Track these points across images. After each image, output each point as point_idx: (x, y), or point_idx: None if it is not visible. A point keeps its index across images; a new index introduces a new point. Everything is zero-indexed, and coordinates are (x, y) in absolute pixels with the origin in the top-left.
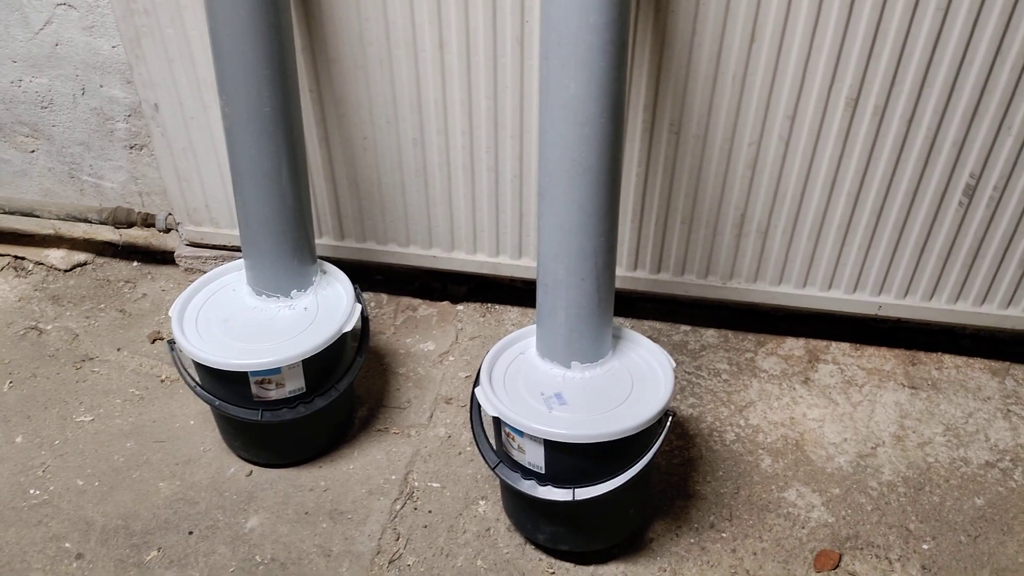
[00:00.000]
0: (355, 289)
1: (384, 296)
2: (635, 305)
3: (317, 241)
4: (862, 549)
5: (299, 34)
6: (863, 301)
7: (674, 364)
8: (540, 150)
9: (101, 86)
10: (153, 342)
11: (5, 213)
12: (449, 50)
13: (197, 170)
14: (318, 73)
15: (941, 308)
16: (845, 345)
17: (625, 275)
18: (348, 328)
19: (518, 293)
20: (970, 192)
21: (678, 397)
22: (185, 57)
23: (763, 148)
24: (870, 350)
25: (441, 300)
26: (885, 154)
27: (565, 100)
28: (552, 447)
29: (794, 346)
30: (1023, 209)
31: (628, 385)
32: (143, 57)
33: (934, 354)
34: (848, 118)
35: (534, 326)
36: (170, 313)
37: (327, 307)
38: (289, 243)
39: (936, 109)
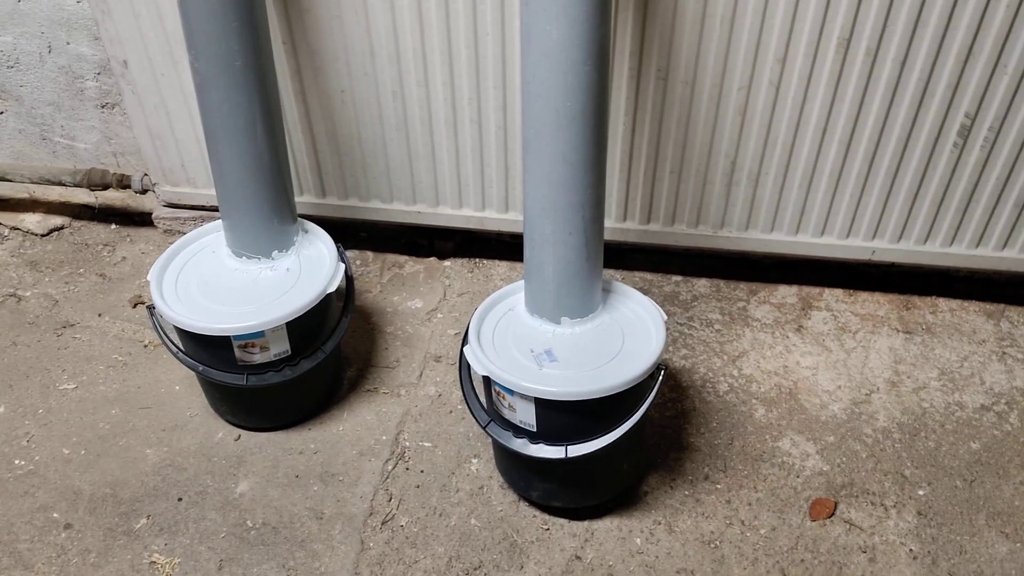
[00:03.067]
0: (338, 248)
1: (369, 253)
2: (625, 256)
3: (298, 199)
4: (857, 497)
5: None
6: (856, 246)
7: (665, 317)
8: (523, 101)
9: (68, 43)
10: (135, 306)
11: None
12: None
13: (171, 129)
14: (291, 24)
15: (936, 252)
16: (838, 291)
17: (614, 226)
18: (331, 289)
19: (506, 247)
20: (965, 134)
21: (670, 349)
22: (152, 11)
23: (753, 93)
24: (863, 295)
25: (428, 256)
26: (878, 97)
27: (547, 48)
28: (543, 405)
29: (787, 294)
30: (1019, 150)
31: (619, 340)
32: (109, 12)
33: (928, 298)
34: (840, 61)
35: (522, 282)
36: (148, 278)
37: (310, 267)
38: (268, 203)
39: (930, 50)
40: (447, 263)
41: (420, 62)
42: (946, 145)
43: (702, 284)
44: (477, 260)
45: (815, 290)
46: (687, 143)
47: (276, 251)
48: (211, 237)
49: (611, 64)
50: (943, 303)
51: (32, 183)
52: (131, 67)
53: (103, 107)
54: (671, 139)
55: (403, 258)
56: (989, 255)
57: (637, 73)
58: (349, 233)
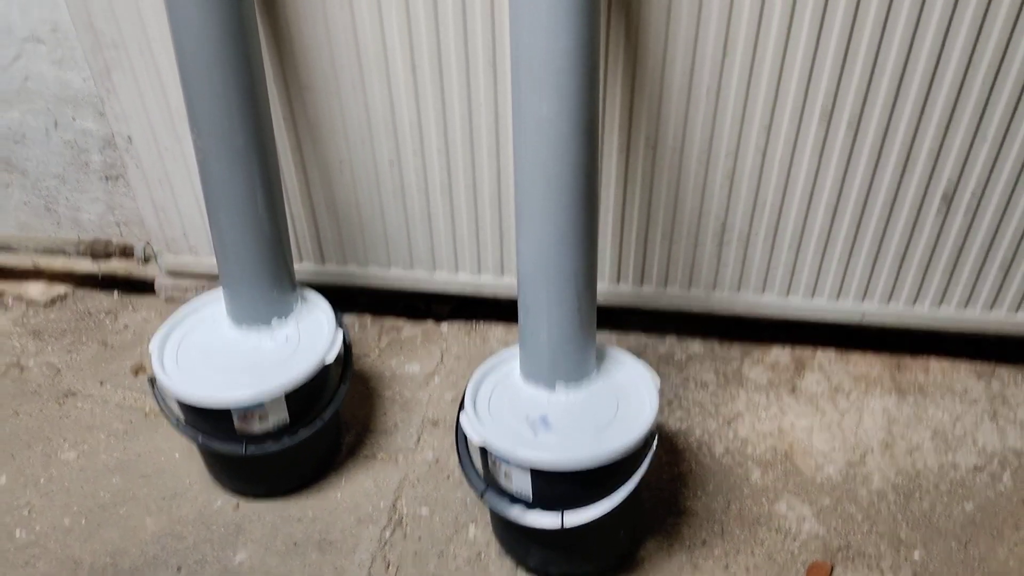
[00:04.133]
0: (337, 316)
1: (368, 318)
2: (620, 318)
3: (297, 266)
4: (854, 559)
5: (270, 63)
6: (847, 308)
7: (659, 382)
8: (515, 172)
9: (74, 119)
10: (136, 374)
11: None
12: (421, 72)
13: (174, 200)
14: (291, 100)
15: (924, 313)
16: (831, 352)
17: (608, 289)
18: (330, 359)
19: (502, 309)
20: (948, 199)
21: (666, 410)
22: (156, 88)
23: (740, 159)
24: (856, 356)
25: (425, 319)
26: (862, 164)
27: (538, 122)
28: (539, 473)
29: (780, 354)
30: (1001, 215)
31: (614, 406)
32: (114, 90)
33: (920, 358)
34: (824, 129)
35: (517, 347)
36: (150, 349)
37: (309, 335)
38: (268, 273)
39: (911, 120)
40: (444, 326)
41: (416, 133)
42: (931, 210)
43: (696, 345)
44: (474, 323)
45: (808, 351)
46: (677, 207)
47: (276, 319)
48: (212, 307)
49: (601, 134)
50: (934, 363)
51: (36, 253)
52: (135, 142)
53: (107, 179)
54: (662, 203)
55: (401, 322)
56: (977, 316)
57: (627, 141)
58: (348, 298)
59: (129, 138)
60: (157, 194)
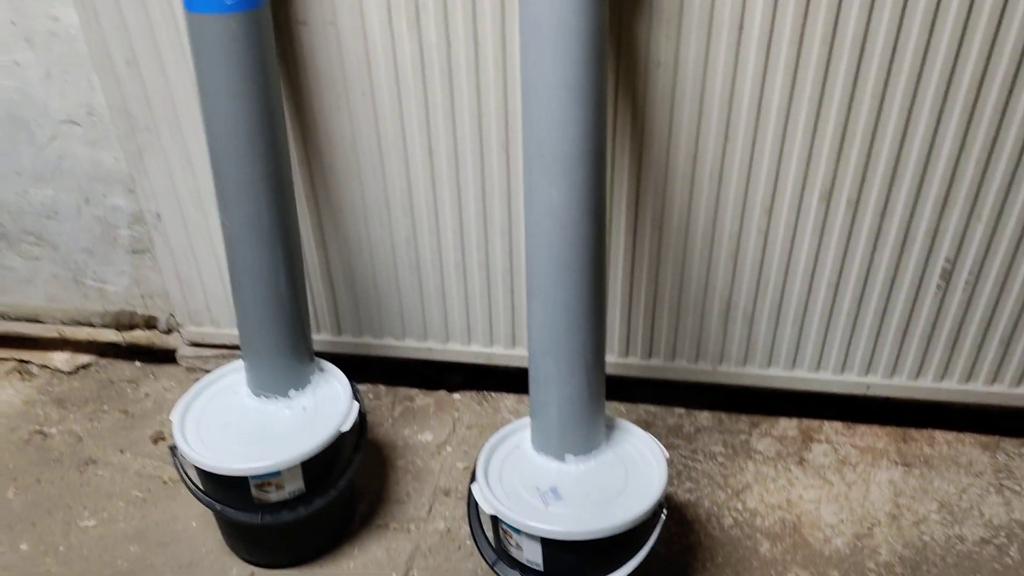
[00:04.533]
0: (352, 387)
1: (382, 387)
2: (629, 389)
3: (315, 337)
4: None
5: (295, 147)
6: (851, 381)
7: (667, 455)
8: (527, 252)
9: (104, 196)
10: (155, 442)
11: (11, 319)
12: (438, 156)
13: (198, 273)
14: (314, 181)
15: (928, 387)
16: (837, 424)
17: (617, 361)
18: (345, 428)
19: (514, 379)
20: (947, 276)
21: (675, 481)
22: (185, 168)
23: (743, 239)
24: (862, 428)
25: (438, 389)
26: (861, 243)
27: (548, 206)
28: (549, 544)
29: (787, 426)
30: (999, 292)
31: (623, 477)
32: (145, 170)
33: (925, 430)
34: (823, 210)
35: (528, 418)
36: (171, 418)
37: (325, 406)
38: (288, 345)
39: (907, 201)
40: (456, 396)
41: (432, 212)
42: (930, 287)
43: (705, 417)
44: (485, 393)
45: (815, 423)
46: (684, 284)
47: (293, 390)
48: (232, 377)
49: (609, 213)
50: (940, 435)
51: (63, 324)
52: (164, 219)
53: (134, 253)
54: (668, 280)
55: (414, 391)
56: (980, 389)
57: (634, 221)
58: (362, 367)
59: (158, 215)
60: (182, 267)
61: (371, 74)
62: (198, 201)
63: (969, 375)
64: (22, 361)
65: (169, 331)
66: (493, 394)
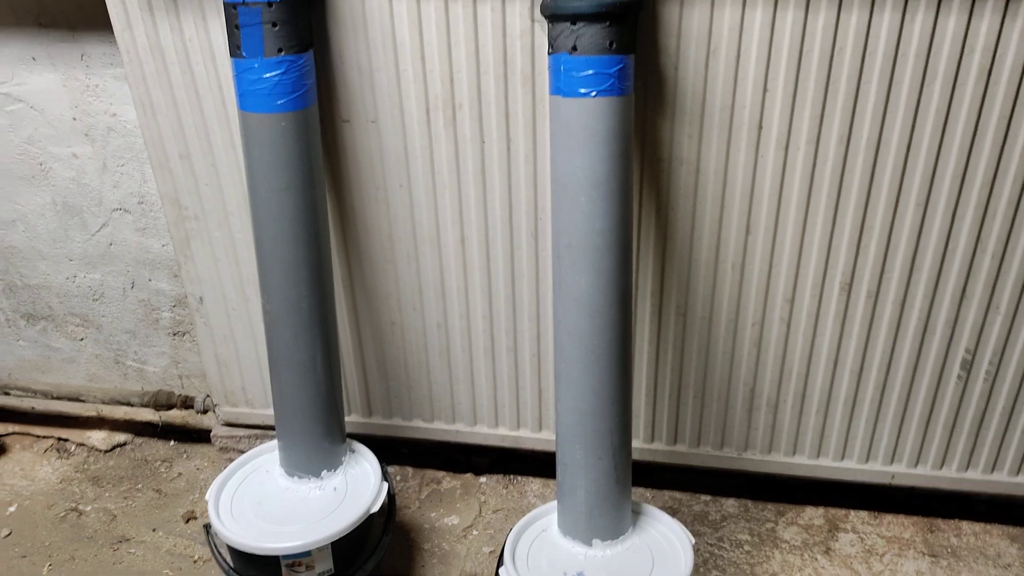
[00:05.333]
0: (382, 468)
1: (409, 469)
2: (654, 475)
3: (346, 419)
4: None
5: (334, 234)
6: (876, 470)
7: (693, 540)
8: (555, 338)
9: (150, 280)
10: (187, 521)
11: (53, 398)
12: (470, 244)
13: (236, 356)
14: (351, 267)
15: (952, 476)
16: (863, 513)
17: (642, 447)
18: (375, 509)
19: (540, 464)
20: (967, 367)
21: (701, 570)
22: (230, 256)
23: (766, 328)
24: (888, 517)
25: (465, 472)
26: (882, 334)
27: (577, 294)
28: None
29: (813, 515)
30: (1020, 383)
31: (649, 563)
32: (191, 256)
33: (951, 521)
34: (844, 301)
35: (555, 503)
36: (207, 497)
37: (355, 486)
38: (321, 427)
39: (926, 293)
40: (483, 479)
41: (463, 298)
42: (951, 377)
43: (730, 504)
44: (512, 476)
45: (841, 512)
46: (707, 371)
47: (325, 471)
48: (265, 456)
49: (634, 301)
50: (966, 526)
51: (102, 403)
52: (206, 303)
53: (174, 335)
54: (693, 367)
55: (441, 474)
56: (1004, 480)
57: (659, 309)
58: (391, 449)
59: (200, 298)
60: (221, 349)
61: (408, 168)
62: (240, 286)
63: (994, 465)
64: (61, 439)
65: (205, 411)
66: (519, 478)
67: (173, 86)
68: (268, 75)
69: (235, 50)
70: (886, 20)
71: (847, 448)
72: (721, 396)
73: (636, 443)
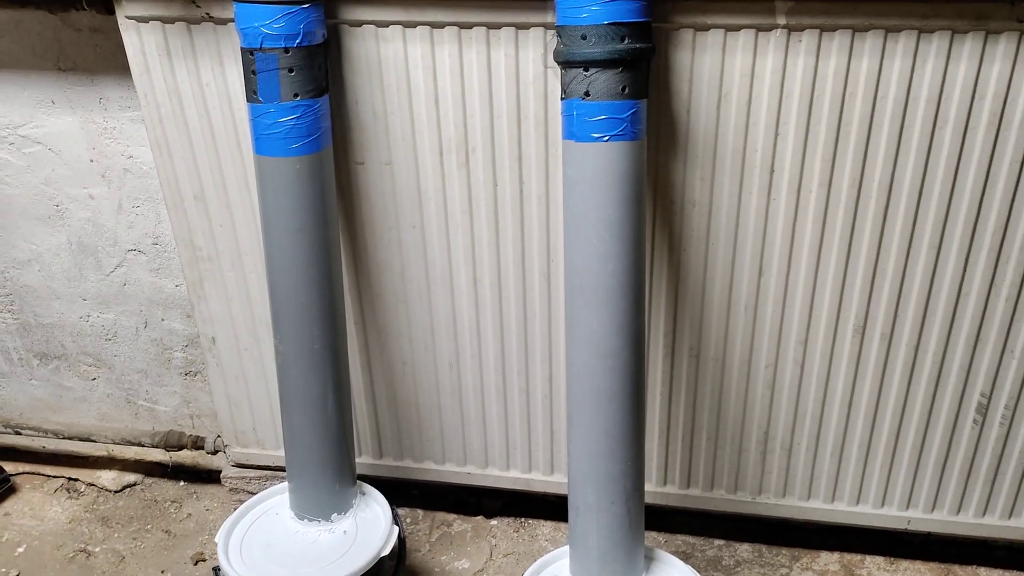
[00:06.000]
0: (392, 511)
1: (420, 511)
2: (667, 519)
3: (357, 459)
4: None
5: (347, 274)
6: (892, 515)
7: None
8: (567, 380)
9: (163, 320)
10: (196, 563)
11: (63, 438)
12: (482, 285)
13: (247, 396)
14: (363, 306)
15: (970, 522)
16: (879, 559)
17: (655, 490)
18: (385, 552)
19: (551, 507)
20: (983, 411)
21: None
22: (243, 297)
23: (779, 371)
24: (905, 563)
25: (475, 515)
26: (897, 377)
27: (589, 336)
28: None
29: (829, 560)
30: None
31: None
32: (204, 297)
33: (969, 567)
34: (857, 344)
35: (566, 547)
36: (216, 539)
37: (365, 530)
38: (332, 469)
39: (940, 336)
40: (494, 522)
41: (475, 338)
42: (966, 421)
43: (744, 549)
44: (523, 520)
45: (856, 557)
46: (721, 413)
47: (336, 514)
48: (275, 499)
49: (647, 344)
50: (984, 572)
51: (112, 443)
52: (218, 343)
53: (186, 375)
54: (705, 409)
55: (452, 516)
56: (1022, 526)
57: (671, 351)
58: (401, 491)
59: (213, 339)
60: (232, 390)
61: (422, 209)
62: (252, 327)
63: (1011, 511)
64: (71, 479)
65: (215, 452)
66: (531, 521)
67: (189, 129)
68: (284, 119)
69: (251, 95)
70: (897, 66)
71: (862, 492)
72: (735, 438)
73: (649, 486)
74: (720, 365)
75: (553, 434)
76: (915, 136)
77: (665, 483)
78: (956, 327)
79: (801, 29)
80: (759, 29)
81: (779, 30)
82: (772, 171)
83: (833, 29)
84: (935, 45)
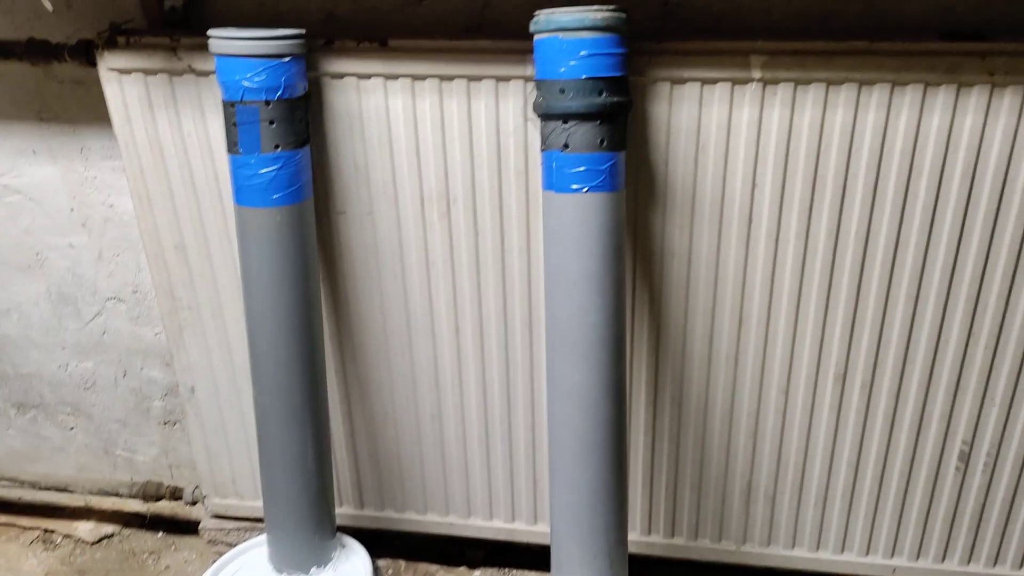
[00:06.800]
0: (373, 564)
1: (402, 563)
2: (652, 568)
3: (338, 510)
4: None
5: (328, 324)
6: (876, 563)
7: None
8: (549, 431)
9: (142, 368)
10: None
11: (41, 488)
12: (464, 335)
13: (227, 447)
14: (344, 357)
15: (955, 570)
16: None
17: (640, 539)
18: None
19: (535, 556)
20: (965, 458)
21: None
22: (223, 346)
23: (761, 419)
24: None
25: (458, 565)
26: (878, 425)
27: (570, 388)
28: None
29: None
30: (1019, 474)
31: None
32: (184, 346)
33: None
34: (839, 393)
35: None
36: None
37: None
38: (312, 521)
39: (920, 384)
40: (477, 573)
41: (457, 388)
42: (949, 469)
43: None
44: (507, 570)
45: None
46: (704, 462)
47: (315, 567)
48: (254, 552)
49: (629, 389)
50: None
51: (90, 494)
52: (197, 392)
53: (165, 424)
54: (689, 457)
55: (434, 567)
56: (1008, 574)
57: (654, 400)
58: (383, 541)
59: (192, 388)
60: (212, 440)
61: (403, 259)
62: (232, 377)
63: (996, 559)
64: (47, 530)
65: (194, 503)
66: (515, 571)
67: (170, 179)
68: (264, 170)
69: (232, 146)
70: (871, 117)
71: (847, 541)
72: (718, 487)
73: (633, 535)
74: (702, 414)
75: (536, 483)
76: (891, 187)
77: (650, 532)
78: (936, 375)
79: (776, 82)
80: (735, 82)
81: (754, 83)
82: (750, 221)
83: (807, 82)
84: (908, 97)
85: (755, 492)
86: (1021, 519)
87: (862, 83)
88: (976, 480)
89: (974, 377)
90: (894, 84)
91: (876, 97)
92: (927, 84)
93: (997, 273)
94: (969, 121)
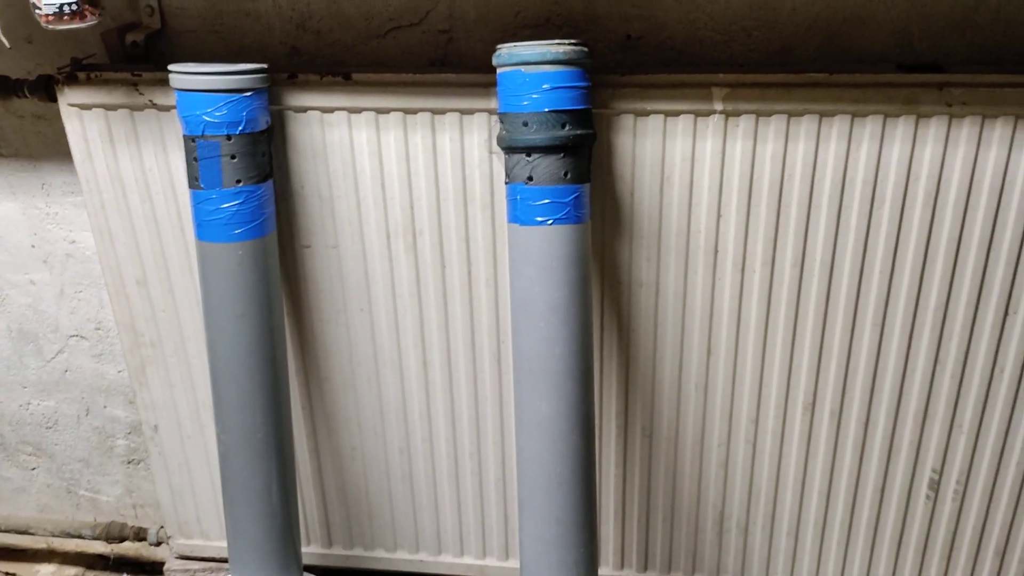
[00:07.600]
0: None
1: None
2: None
3: (305, 549)
4: None
5: (293, 358)
6: None
7: None
8: (518, 464)
9: (104, 407)
10: None
11: (2, 531)
12: (432, 367)
13: (191, 486)
14: (310, 391)
15: None
16: None
17: (612, 574)
18: None
19: None
20: (935, 487)
21: None
22: (186, 383)
23: (732, 449)
24: None
25: None
26: (848, 453)
27: (538, 420)
28: None
29: None
30: (988, 502)
31: None
32: (147, 383)
33: None
34: (808, 422)
35: None
36: None
37: None
38: (277, 561)
39: (888, 413)
40: None
41: (426, 422)
42: (920, 498)
43: None
44: None
45: None
46: (676, 493)
47: None
48: None
49: (599, 421)
50: None
51: (52, 536)
52: (161, 431)
53: (129, 463)
54: (660, 490)
55: None
56: None
57: (624, 431)
58: None
59: (155, 426)
60: (176, 479)
61: (369, 292)
62: (196, 414)
63: None
64: (8, 574)
65: (158, 543)
66: None
67: (132, 214)
68: (226, 205)
69: (193, 181)
70: (832, 148)
71: (820, 570)
72: (690, 519)
73: (605, 570)
74: (673, 445)
75: (507, 519)
76: (853, 216)
77: (622, 566)
78: (904, 403)
79: (738, 114)
80: (697, 114)
81: (717, 115)
82: (716, 251)
83: (769, 114)
84: (869, 129)
85: (727, 522)
86: (992, 546)
87: (823, 115)
88: (947, 508)
89: (942, 404)
90: (854, 115)
91: (837, 128)
92: (886, 115)
93: (961, 300)
94: (929, 151)
